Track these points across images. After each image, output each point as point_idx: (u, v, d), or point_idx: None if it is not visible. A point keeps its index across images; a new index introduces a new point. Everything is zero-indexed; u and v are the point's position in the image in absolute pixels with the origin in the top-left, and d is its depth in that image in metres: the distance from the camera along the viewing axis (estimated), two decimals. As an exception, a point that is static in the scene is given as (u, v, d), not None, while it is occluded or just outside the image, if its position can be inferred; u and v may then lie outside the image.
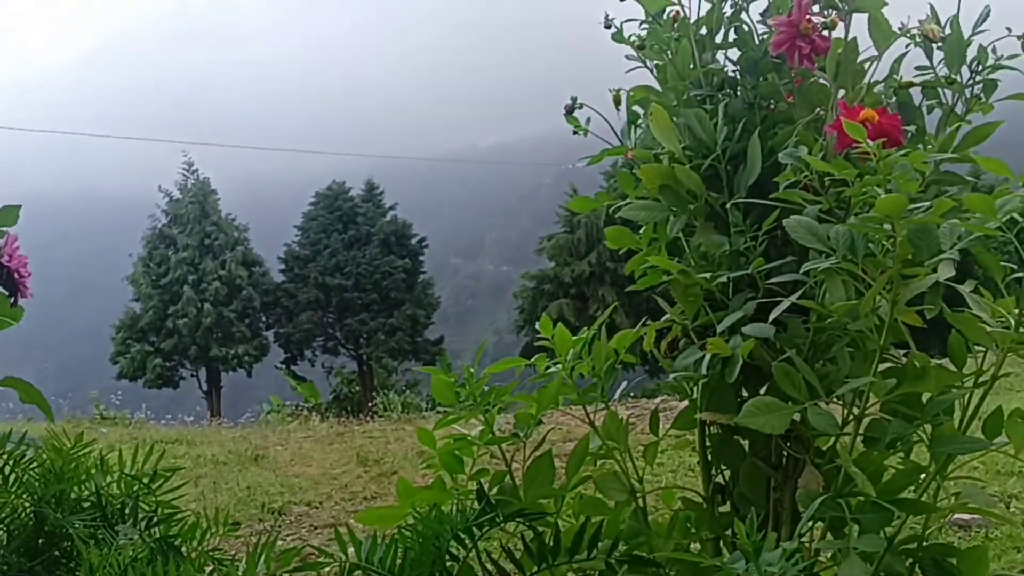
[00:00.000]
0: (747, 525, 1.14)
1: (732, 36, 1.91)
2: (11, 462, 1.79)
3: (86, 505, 1.77)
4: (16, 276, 1.95)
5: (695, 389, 1.57)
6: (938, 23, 1.69)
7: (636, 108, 2.00)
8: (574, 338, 1.48)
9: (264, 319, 29.80)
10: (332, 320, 29.71)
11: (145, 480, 1.79)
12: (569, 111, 2.00)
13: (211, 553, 1.79)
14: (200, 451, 7.11)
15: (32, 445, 1.83)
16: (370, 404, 18.67)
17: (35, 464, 1.79)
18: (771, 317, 1.45)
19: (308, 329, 29.10)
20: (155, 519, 1.81)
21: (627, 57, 2.06)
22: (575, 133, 2.07)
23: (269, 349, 29.60)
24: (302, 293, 29.20)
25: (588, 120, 2.03)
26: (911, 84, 1.72)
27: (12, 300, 1.99)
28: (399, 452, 6.62)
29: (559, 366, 1.49)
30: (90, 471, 1.78)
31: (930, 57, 1.71)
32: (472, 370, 1.44)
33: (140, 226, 30.78)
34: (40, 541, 1.77)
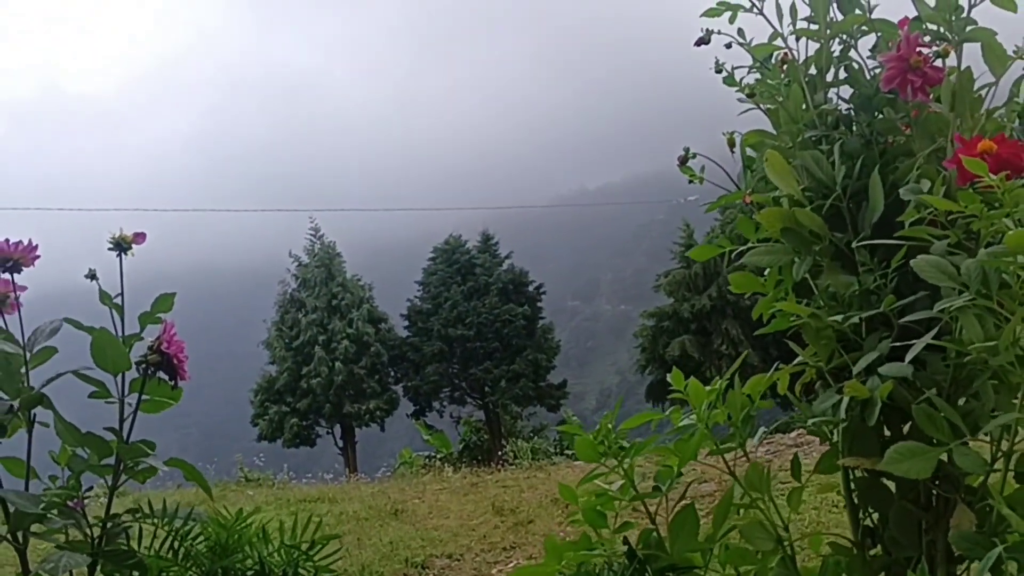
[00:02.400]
0: (908, 569, 1.12)
1: (842, 74, 1.90)
2: (179, 537, 1.92)
3: (250, 575, 1.88)
4: (175, 361, 2.11)
5: (835, 432, 1.55)
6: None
7: (750, 152, 2.01)
8: (707, 388, 1.49)
9: (392, 373, 30.53)
10: (457, 370, 30.18)
11: (304, 547, 1.90)
12: (683, 161, 2.03)
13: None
14: (342, 508, 7.33)
15: (198, 520, 1.97)
16: (499, 452, 18.80)
17: (201, 538, 1.92)
18: (908, 357, 1.42)
19: (435, 380, 29.64)
20: (315, 583, 1.91)
21: (739, 100, 2.08)
22: (690, 182, 2.10)
23: (399, 402, 30.26)
24: (426, 346, 29.82)
25: (703, 168, 2.05)
26: (1034, 106, 1.67)
27: (172, 383, 2.15)
28: (533, 500, 6.65)
29: (693, 417, 1.51)
30: (252, 541, 1.90)
31: (1050, 77, 1.67)
32: (610, 425, 1.48)
33: (271, 293, 32.24)
34: (211, 610, 1.88)
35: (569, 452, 17.13)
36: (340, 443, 29.72)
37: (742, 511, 1.48)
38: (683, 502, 1.43)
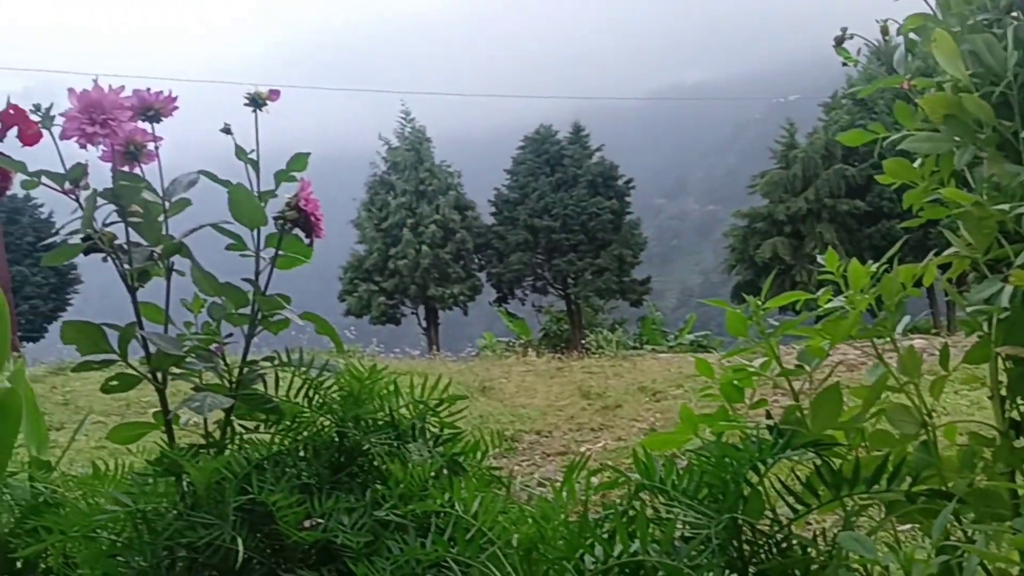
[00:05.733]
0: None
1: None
2: (314, 386, 2.01)
3: (380, 424, 1.96)
4: (312, 218, 2.16)
5: (987, 323, 1.51)
6: None
7: (913, 36, 1.91)
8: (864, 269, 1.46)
9: (476, 260, 30.88)
10: (541, 260, 30.32)
11: (432, 404, 1.97)
12: (839, 42, 1.94)
13: (489, 470, 1.94)
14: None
15: (332, 371, 2.04)
16: (580, 342, 19.02)
17: (335, 389, 2.00)
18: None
19: (518, 269, 29.88)
20: (440, 438, 1.99)
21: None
22: (844, 64, 2.01)
23: (482, 289, 30.70)
24: (512, 235, 29.95)
25: (859, 51, 1.96)
26: None
27: (308, 241, 2.21)
28: (620, 387, 6.74)
29: (841, 299, 1.48)
30: (382, 394, 1.97)
31: None
32: (758, 303, 1.46)
33: (358, 174, 32.67)
34: (341, 458, 1.98)
35: (650, 346, 17.22)
36: (424, 324, 30.48)
37: (884, 395, 1.46)
38: (828, 382, 1.43)
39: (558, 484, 1.47)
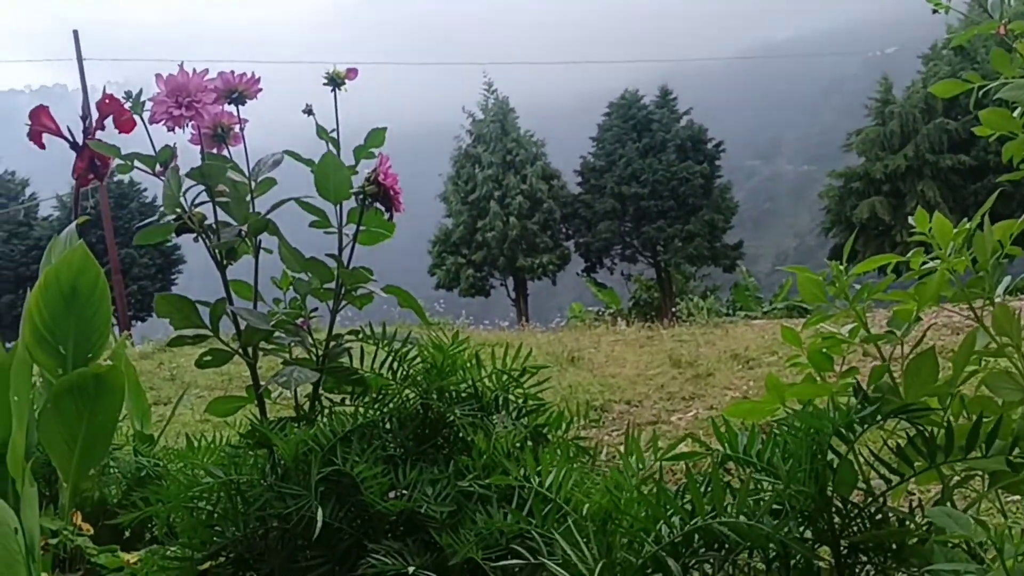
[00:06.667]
0: None
1: None
2: (398, 359, 2.03)
3: (464, 396, 1.97)
4: (391, 192, 2.17)
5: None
6: None
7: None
8: (955, 230, 1.38)
9: (564, 230, 30.80)
10: (629, 228, 30.03)
11: (515, 374, 1.96)
12: (928, -13, 1.83)
13: (574, 441, 1.93)
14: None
15: (415, 343, 2.06)
16: (671, 310, 18.79)
17: (418, 360, 2.01)
18: None
19: (606, 238, 29.67)
20: (524, 410, 1.99)
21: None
22: (935, 11, 1.90)
23: (570, 258, 30.64)
24: (599, 203, 29.72)
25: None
26: None
27: (388, 215, 2.22)
28: (712, 355, 6.63)
29: (935, 261, 1.41)
30: (466, 366, 1.97)
31: None
32: (841, 267, 1.40)
33: (443, 148, 32.85)
34: (426, 429, 2.00)
35: (743, 313, 16.88)
36: (512, 295, 30.63)
37: (983, 361, 1.39)
38: (920, 347, 1.36)
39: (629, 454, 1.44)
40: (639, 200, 29.33)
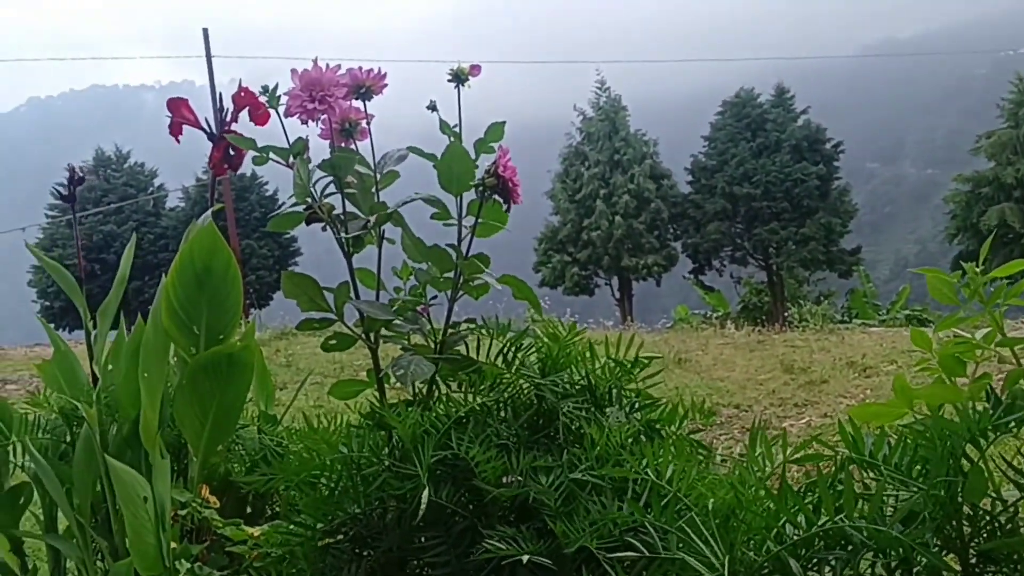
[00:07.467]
0: None
1: None
2: (513, 348, 2.06)
3: (577, 388, 1.99)
4: (510, 184, 2.21)
5: None
6: None
7: None
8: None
9: (672, 230, 30.40)
10: (740, 230, 29.41)
11: (628, 366, 1.97)
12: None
13: (688, 437, 1.92)
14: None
15: (530, 335, 2.09)
16: (783, 315, 18.32)
17: (533, 351, 2.04)
18: None
19: (716, 239, 29.14)
20: (637, 404, 1.99)
21: None
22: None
23: (677, 259, 30.22)
24: (709, 204, 29.21)
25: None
26: None
27: (506, 207, 2.26)
28: (826, 362, 6.44)
29: (1083, 265, 1.34)
30: (580, 357, 1.99)
31: None
32: (976, 268, 1.35)
33: (554, 145, 32.91)
34: (539, 420, 2.02)
35: (859, 320, 16.30)
36: (616, 294, 30.44)
37: None
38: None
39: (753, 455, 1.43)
40: (751, 201, 28.68)
